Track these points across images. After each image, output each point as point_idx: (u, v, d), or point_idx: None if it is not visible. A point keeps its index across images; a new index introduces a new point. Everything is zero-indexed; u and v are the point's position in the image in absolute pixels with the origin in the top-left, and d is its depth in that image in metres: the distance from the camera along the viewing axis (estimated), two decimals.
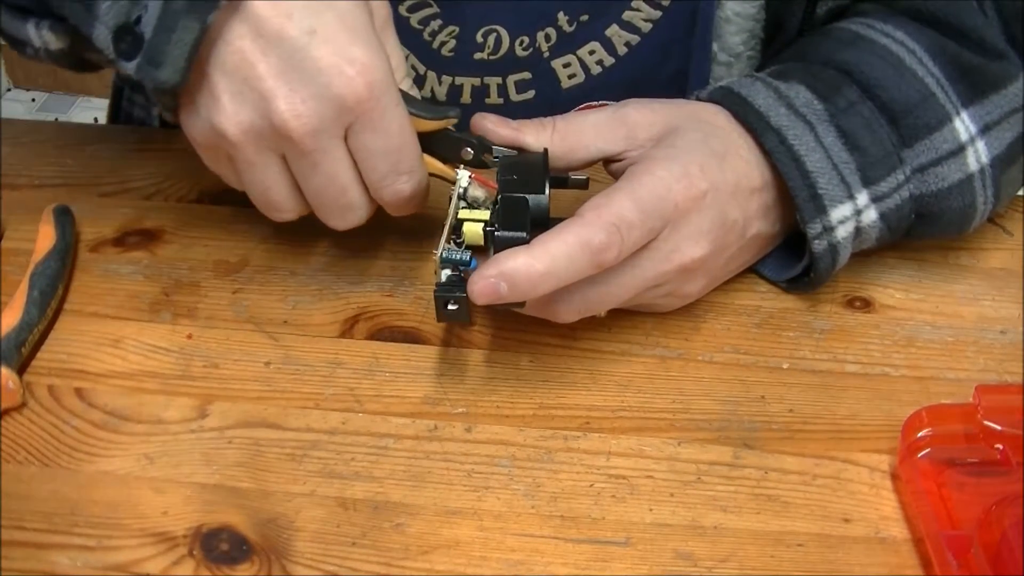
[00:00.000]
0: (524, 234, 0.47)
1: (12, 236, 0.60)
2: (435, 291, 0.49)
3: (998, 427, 0.49)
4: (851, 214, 0.53)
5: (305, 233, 0.60)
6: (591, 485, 0.49)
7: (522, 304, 0.48)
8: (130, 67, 0.49)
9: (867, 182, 0.54)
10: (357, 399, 0.52)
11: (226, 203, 0.63)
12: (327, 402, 0.52)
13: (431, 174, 0.54)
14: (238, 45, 0.48)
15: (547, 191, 0.50)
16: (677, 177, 0.50)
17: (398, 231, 0.61)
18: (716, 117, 0.54)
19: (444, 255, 0.49)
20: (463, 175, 0.53)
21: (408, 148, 0.51)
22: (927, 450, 0.49)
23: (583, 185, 0.55)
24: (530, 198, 0.50)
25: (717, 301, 0.57)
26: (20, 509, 0.47)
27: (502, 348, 0.55)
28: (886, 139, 0.54)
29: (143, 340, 0.55)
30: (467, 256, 0.49)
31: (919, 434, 0.49)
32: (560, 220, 0.48)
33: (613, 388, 0.53)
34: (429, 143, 0.53)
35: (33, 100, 2.22)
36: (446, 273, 0.49)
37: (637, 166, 0.51)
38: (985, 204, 0.57)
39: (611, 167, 0.54)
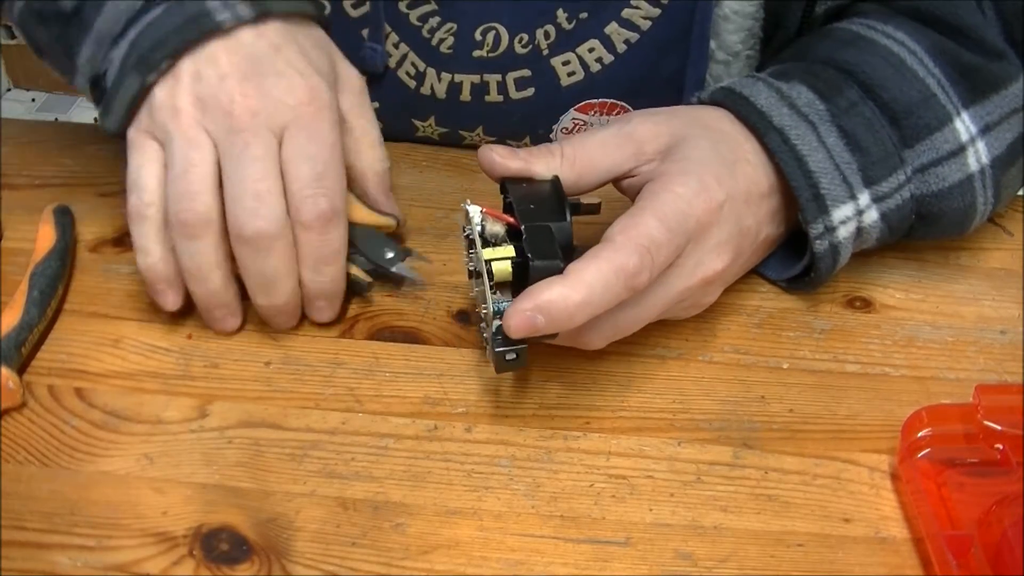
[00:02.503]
0: (559, 262, 0.46)
1: (12, 236, 0.60)
2: (494, 346, 0.47)
3: (998, 427, 0.49)
4: (853, 214, 0.54)
5: None
6: (591, 485, 0.49)
7: (555, 335, 0.47)
8: (98, 113, 0.53)
9: (868, 182, 0.54)
10: (357, 399, 0.52)
11: None
12: (327, 402, 0.52)
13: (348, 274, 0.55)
14: (211, 50, 0.52)
15: (568, 217, 0.49)
16: (696, 192, 0.50)
17: (397, 231, 0.61)
18: (720, 122, 0.54)
19: (496, 307, 0.47)
20: (475, 211, 0.50)
21: (334, 168, 0.52)
22: (927, 450, 0.49)
23: (595, 211, 0.53)
24: (552, 226, 0.48)
25: (717, 301, 0.57)
26: (20, 509, 0.47)
27: None
28: (887, 139, 0.54)
29: (143, 340, 0.55)
30: (506, 304, 0.47)
31: (919, 434, 0.49)
32: (579, 246, 0.48)
33: (613, 388, 0.53)
34: (357, 237, 0.55)
35: (33, 100, 2.22)
36: (497, 324, 0.47)
37: (654, 183, 0.50)
38: (985, 205, 0.57)
39: (622, 184, 0.53)
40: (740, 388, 0.53)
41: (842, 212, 0.53)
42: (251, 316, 0.56)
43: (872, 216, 0.54)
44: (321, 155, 0.51)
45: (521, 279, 0.47)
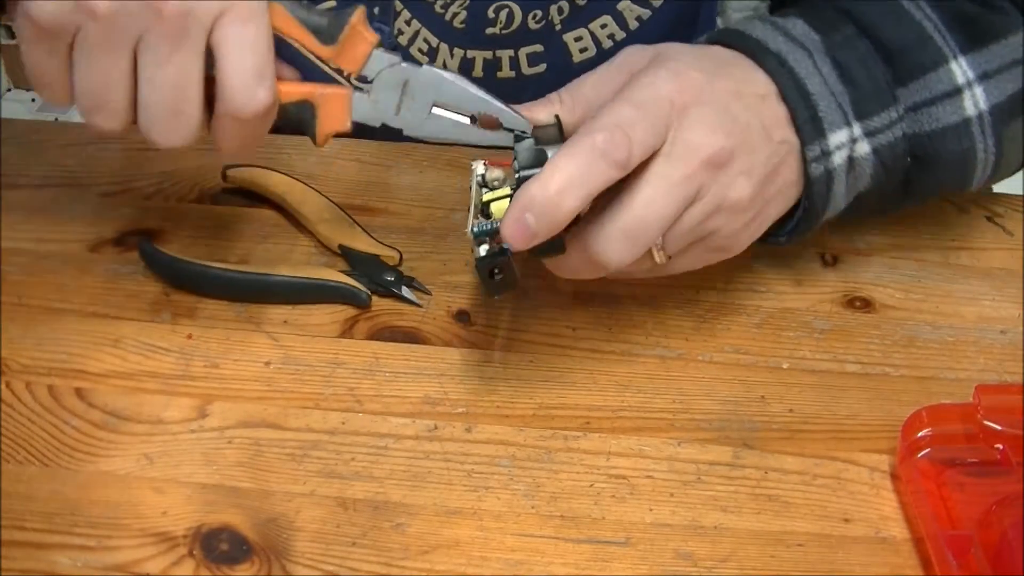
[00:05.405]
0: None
1: (12, 236, 0.60)
2: (476, 264, 0.47)
3: (998, 427, 0.49)
4: (847, 141, 0.52)
5: (304, 232, 0.60)
6: (591, 485, 0.49)
7: (562, 248, 0.47)
8: None
9: (861, 116, 0.53)
10: (357, 399, 0.52)
11: (226, 203, 0.63)
12: (327, 402, 0.52)
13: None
14: None
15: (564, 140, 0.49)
16: (666, 78, 0.49)
17: (398, 231, 0.61)
18: (713, 49, 0.54)
19: (476, 230, 0.48)
20: (477, 164, 0.51)
21: (271, 57, 0.48)
22: (927, 450, 0.49)
23: None
24: (548, 149, 0.48)
25: (717, 301, 0.57)
26: (20, 509, 0.47)
27: (502, 348, 0.55)
28: (880, 77, 0.53)
29: (143, 340, 0.55)
30: (494, 223, 0.47)
31: (919, 434, 0.49)
32: None
33: (613, 388, 0.53)
34: (359, 264, 0.57)
35: (33, 100, 2.22)
36: (484, 248, 0.47)
37: (627, 83, 0.50)
38: (986, 153, 0.56)
39: None
40: (740, 388, 0.53)
41: (838, 137, 0.52)
42: (251, 316, 0.56)
43: (864, 148, 0.53)
44: (263, 42, 0.47)
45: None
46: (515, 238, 0.45)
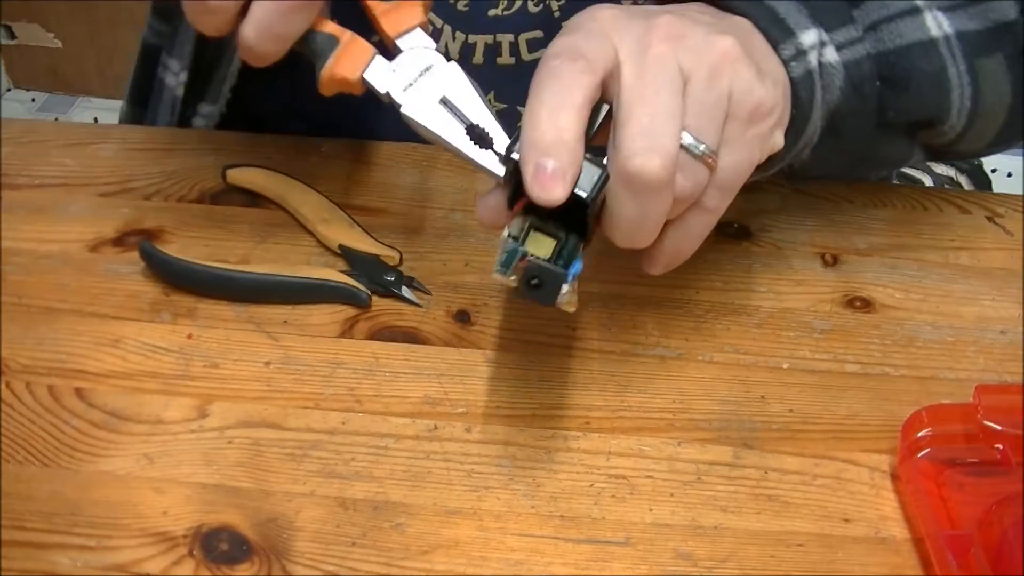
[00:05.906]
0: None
1: (12, 236, 0.60)
2: (522, 293, 0.45)
3: (998, 427, 0.49)
4: (817, 42, 0.51)
5: (304, 232, 0.60)
6: (591, 485, 0.49)
7: (607, 173, 0.44)
8: None
9: (822, 28, 0.52)
10: (357, 399, 0.52)
11: (226, 203, 0.63)
12: (327, 402, 0.52)
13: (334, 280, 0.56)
14: None
15: None
16: (584, 12, 0.47)
17: (398, 231, 0.61)
18: None
19: (498, 267, 0.46)
20: (503, 232, 0.48)
21: None
22: (927, 450, 0.49)
23: None
24: None
25: (717, 301, 0.57)
26: (20, 509, 0.47)
27: (502, 348, 0.55)
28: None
29: (143, 340, 0.55)
30: (515, 245, 0.46)
31: (919, 434, 0.49)
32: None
33: (613, 388, 0.53)
34: (359, 264, 0.57)
35: (33, 100, 2.22)
36: (514, 278, 0.45)
37: None
38: (960, 80, 0.55)
39: None
40: (740, 388, 0.53)
41: (809, 37, 0.50)
42: (251, 317, 0.56)
43: (832, 55, 0.51)
44: None
45: (552, 213, 0.45)
46: (546, 188, 0.42)
